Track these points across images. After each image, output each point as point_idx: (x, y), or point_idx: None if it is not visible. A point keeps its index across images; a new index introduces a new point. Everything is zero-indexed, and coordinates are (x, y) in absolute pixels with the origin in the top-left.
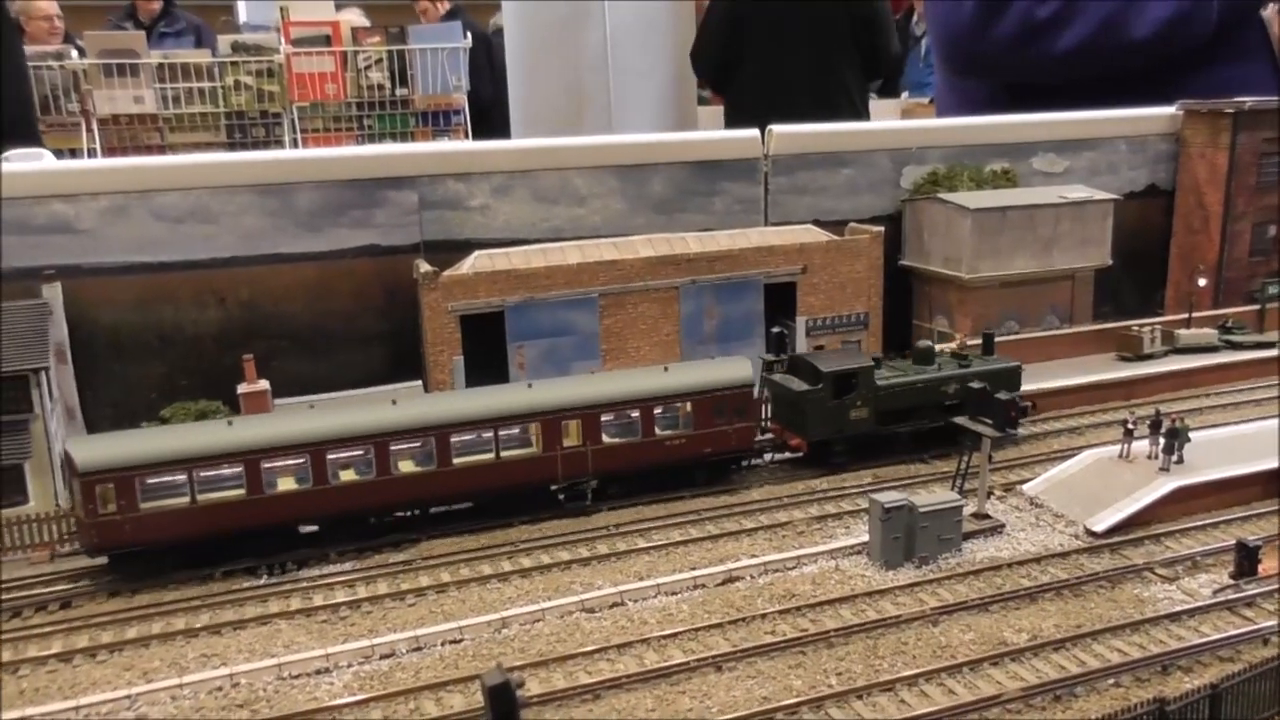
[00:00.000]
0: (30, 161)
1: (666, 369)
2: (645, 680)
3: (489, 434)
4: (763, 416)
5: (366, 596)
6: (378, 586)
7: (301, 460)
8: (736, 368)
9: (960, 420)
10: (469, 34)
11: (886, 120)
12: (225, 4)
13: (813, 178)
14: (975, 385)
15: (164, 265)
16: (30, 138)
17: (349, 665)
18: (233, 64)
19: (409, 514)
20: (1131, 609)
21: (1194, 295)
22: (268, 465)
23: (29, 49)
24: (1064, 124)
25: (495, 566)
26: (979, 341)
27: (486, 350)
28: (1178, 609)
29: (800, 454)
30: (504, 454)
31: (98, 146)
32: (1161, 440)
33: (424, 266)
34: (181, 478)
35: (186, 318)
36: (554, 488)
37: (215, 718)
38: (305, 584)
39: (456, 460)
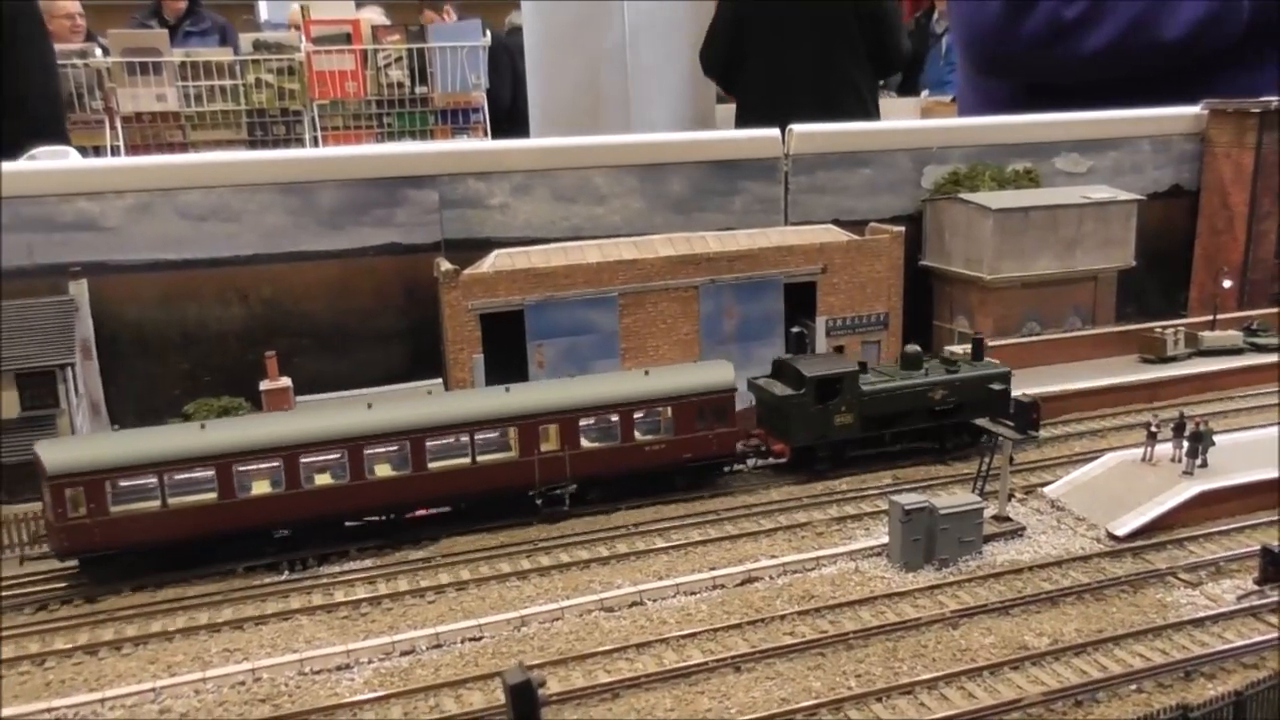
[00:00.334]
0: (57, 159)
1: (647, 373)
2: (664, 680)
3: (465, 438)
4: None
5: (387, 593)
6: (398, 583)
7: (275, 464)
8: (718, 372)
9: (982, 422)
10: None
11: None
12: (247, 2)
13: (833, 177)
14: (997, 387)
15: (188, 263)
16: (58, 135)
17: (369, 661)
18: (254, 62)
19: (383, 519)
20: (1154, 614)
21: (1218, 297)
22: (240, 469)
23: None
24: (1087, 123)
25: (515, 565)
26: (1002, 341)
27: (506, 349)
28: (1201, 614)
29: (783, 460)
30: (480, 458)
31: (121, 144)
32: (1185, 443)
33: (444, 265)
34: (152, 481)
35: (210, 315)
36: (531, 493)
37: (237, 712)
38: (326, 580)
39: (432, 465)
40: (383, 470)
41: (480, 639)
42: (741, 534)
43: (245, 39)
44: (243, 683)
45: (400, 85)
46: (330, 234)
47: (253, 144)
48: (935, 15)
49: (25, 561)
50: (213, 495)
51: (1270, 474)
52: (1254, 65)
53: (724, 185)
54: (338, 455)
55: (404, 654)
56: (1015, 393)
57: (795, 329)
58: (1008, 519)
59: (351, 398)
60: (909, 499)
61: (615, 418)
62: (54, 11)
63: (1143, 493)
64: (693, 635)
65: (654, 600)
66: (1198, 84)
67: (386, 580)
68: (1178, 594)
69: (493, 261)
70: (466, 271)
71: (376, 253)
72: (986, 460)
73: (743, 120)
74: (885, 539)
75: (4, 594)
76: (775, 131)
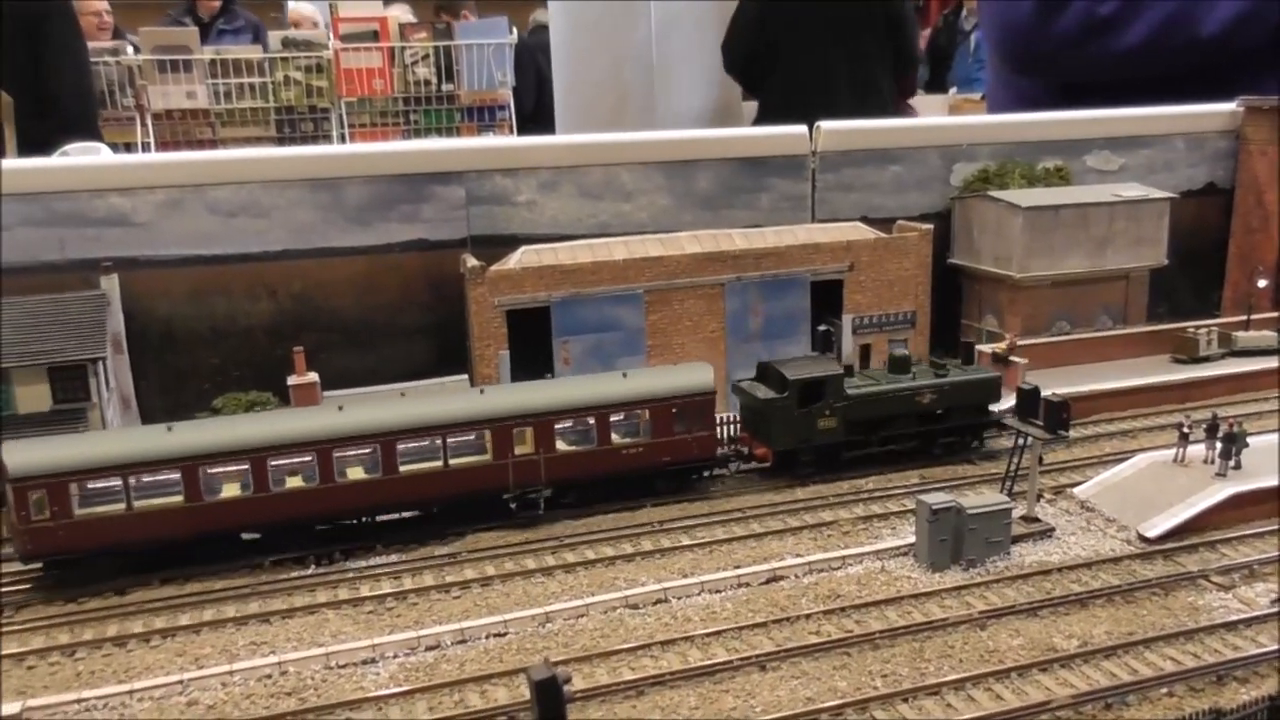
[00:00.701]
0: (89, 155)
1: (625, 375)
2: (689, 678)
3: (437, 441)
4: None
5: (412, 588)
6: (423, 578)
7: (242, 467)
8: (698, 374)
9: (1011, 421)
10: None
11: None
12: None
13: (860, 174)
14: (1026, 387)
15: (217, 258)
16: (91, 133)
17: (395, 656)
18: (283, 59)
19: (355, 522)
20: (1186, 617)
21: (1253, 296)
22: (206, 472)
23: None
24: (1119, 121)
25: (539, 561)
26: (1032, 341)
27: (532, 345)
28: (1234, 618)
29: (766, 464)
30: (453, 462)
31: (151, 140)
32: (1218, 445)
33: (471, 261)
34: (117, 484)
35: (239, 310)
36: (506, 496)
37: (264, 705)
38: (352, 575)
39: (403, 468)
40: (353, 473)
41: (505, 635)
42: (766, 532)
43: (274, 36)
44: (269, 676)
45: (427, 82)
46: (358, 230)
47: (281, 141)
48: (964, 12)
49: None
50: (179, 498)
51: None
52: None
53: (751, 182)
54: (307, 458)
55: (429, 649)
56: (1045, 393)
57: (822, 327)
58: (1036, 520)
59: (378, 393)
60: (936, 499)
61: (591, 421)
62: (82, 9)
63: (1174, 494)
64: (717, 633)
65: (679, 598)
66: (1230, 82)
67: (412, 575)
68: (1210, 597)
69: (519, 258)
70: (493, 268)
71: (403, 249)
72: (1015, 460)
73: (764, 119)
74: (912, 539)
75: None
76: (803, 128)
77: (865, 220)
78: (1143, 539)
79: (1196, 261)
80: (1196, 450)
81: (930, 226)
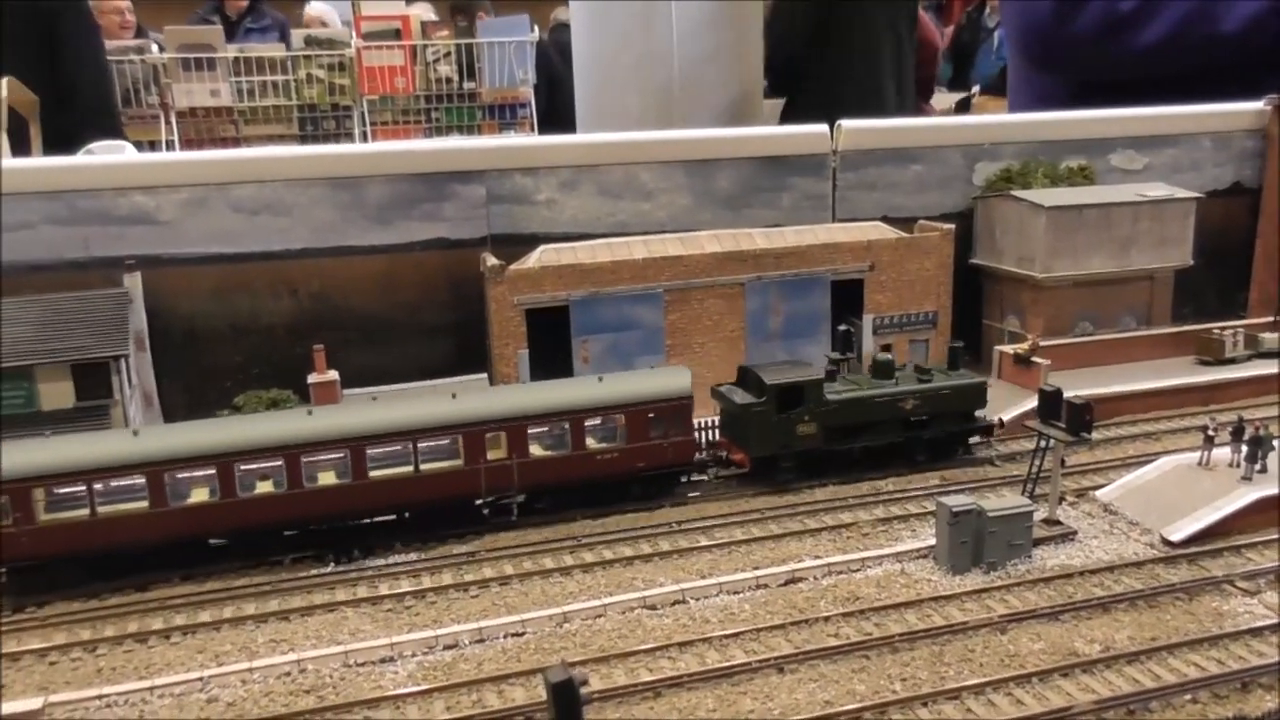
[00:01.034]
0: (113, 154)
1: (601, 379)
2: (706, 680)
3: (408, 446)
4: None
5: (431, 586)
6: (442, 577)
7: (208, 472)
8: (675, 379)
9: (1032, 424)
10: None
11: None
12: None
13: (882, 174)
14: (1048, 389)
15: (239, 256)
16: (112, 129)
17: (413, 655)
18: (305, 58)
19: (324, 528)
20: (1210, 622)
21: None
22: (171, 477)
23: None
24: (1144, 119)
25: (557, 560)
26: (1054, 341)
27: (551, 344)
28: (1259, 624)
29: (744, 470)
30: (424, 467)
31: (175, 138)
32: (1244, 448)
33: (491, 260)
34: (81, 489)
35: (261, 308)
36: (479, 502)
37: (283, 702)
38: (371, 573)
39: (373, 473)
40: (323, 479)
41: (523, 634)
42: (785, 533)
43: (297, 35)
44: (288, 673)
45: (449, 80)
46: (378, 229)
47: (303, 139)
48: (987, 9)
49: None
50: (143, 504)
51: None
52: None
53: (772, 181)
54: (274, 463)
55: (447, 648)
56: (1068, 394)
57: (842, 327)
58: (1058, 522)
59: (399, 391)
60: (957, 501)
61: (565, 425)
62: (103, 9)
63: (1199, 498)
64: (736, 635)
65: (697, 599)
66: (1251, 80)
67: (430, 574)
68: (1234, 602)
69: (539, 257)
70: (512, 267)
71: (424, 247)
72: (1037, 462)
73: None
74: (932, 541)
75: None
76: (823, 127)
77: (886, 220)
78: (1166, 543)
79: (1222, 262)
80: (1221, 453)
81: (952, 226)
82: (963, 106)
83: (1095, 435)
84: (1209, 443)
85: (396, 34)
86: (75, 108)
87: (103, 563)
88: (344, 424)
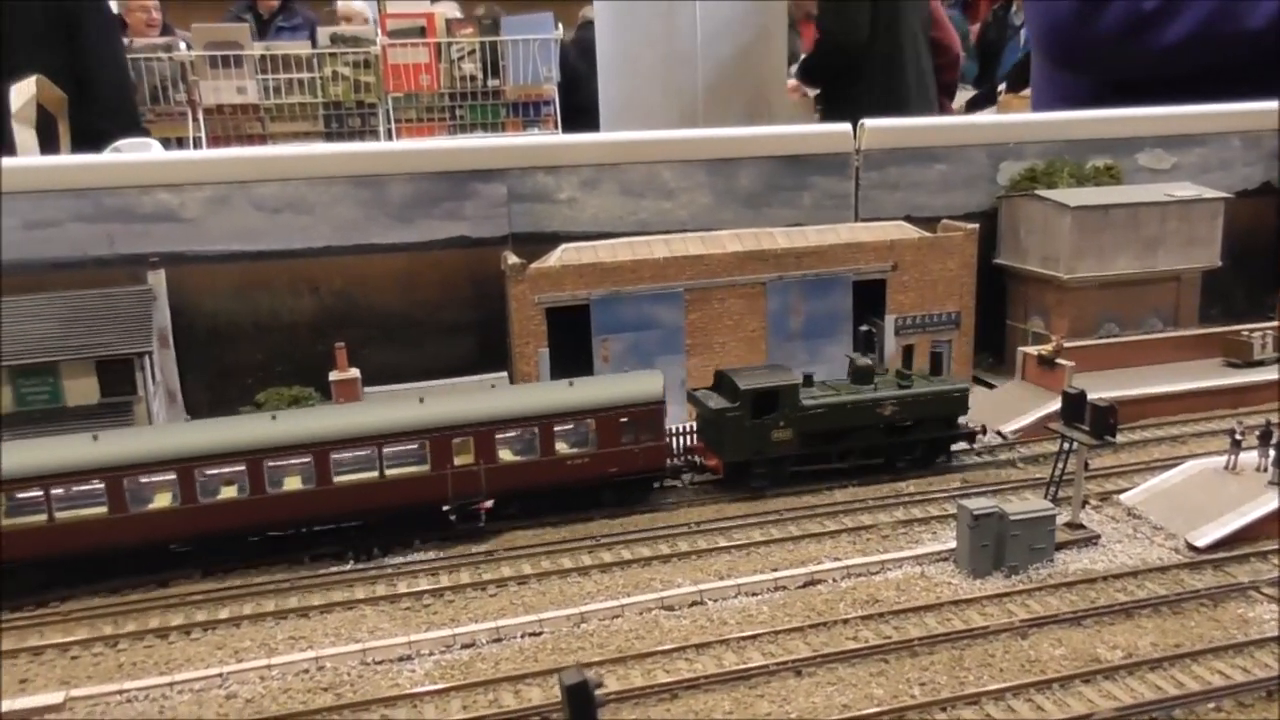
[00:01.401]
0: (139, 151)
1: (571, 384)
2: (723, 682)
3: (372, 451)
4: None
5: (449, 585)
6: (460, 575)
7: (169, 477)
8: (647, 383)
9: (1055, 426)
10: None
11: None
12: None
13: (905, 173)
14: (1072, 391)
15: (261, 254)
16: (131, 124)
17: (430, 653)
18: (331, 55)
19: (289, 533)
20: (1235, 629)
21: None
22: (131, 482)
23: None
24: (1172, 118)
25: (575, 560)
26: (1079, 343)
27: (572, 343)
28: None
29: (718, 476)
30: (390, 472)
31: (203, 135)
32: (1272, 452)
33: (511, 258)
34: (38, 494)
35: (282, 305)
36: (445, 508)
37: (301, 700)
38: (390, 570)
39: (337, 479)
40: (285, 484)
41: (540, 634)
42: (805, 535)
43: (322, 32)
44: (306, 671)
45: (473, 78)
46: (400, 227)
47: (328, 136)
48: (1014, 7)
49: None
50: (102, 509)
51: None
52: None
53: (793, 180)
54: (236, 468)
55: (464, 647)
56: (1092, 396)
57: (864, 327)
58: (1081, 526)
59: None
60: (978, 503)
61: (534, 431)
62: (130, 6)
63: (1225, 502)
64: (753, 637)
65: (715, 600)
66: (1276, 79)
67: (449, 572)
68: (1261, 609)
69: (559, 255)
70: (533, 265)
71: (444, 246)
72: (1060, 465)
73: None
74: (953, 544)
75: None
76: (846, 126)
77: (909, 219)
78: (1191, 548)
79: (1251, 263)
80: (1249, 457)
81: (976, 226)
82: (973, 105)
83: (1120, 438)
84: (1236, 446)
85: (421, 32)
86: (94, 105)
87: (69, 567)
88: (307, 429)
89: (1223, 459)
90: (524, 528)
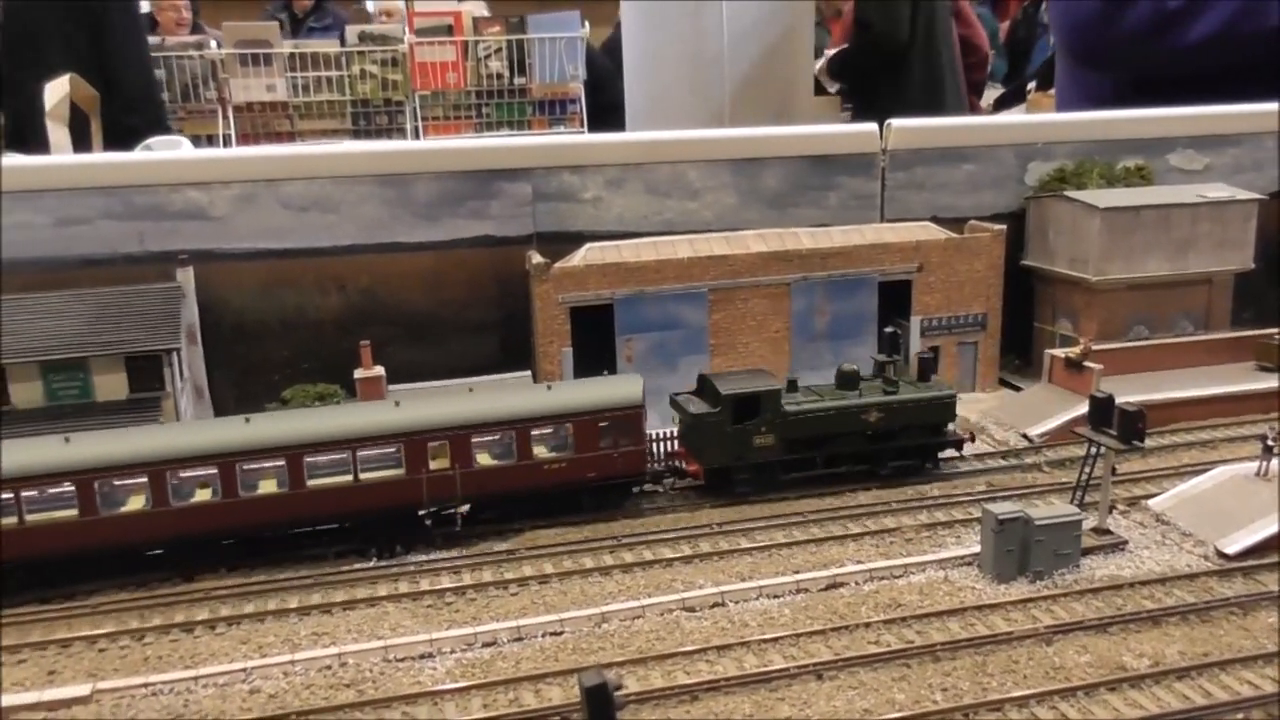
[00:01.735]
0: (170, 149)
1: (550, 387)
2: (744, 684)
3: (347, 455)
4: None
5: (471, 583)
6: (482, 574)
7: (140, 480)
8: (627, 387)
9: (1082, 430)
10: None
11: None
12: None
13: (931, 173)
14: (1100, 394)
15: (288, 252)
16: (157, 123)
17: (452, 651)
18: (359, 53)
19: (263, 537)
20: (1265, 638)
21: None
22: (102, 485)
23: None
24: (1205, 118)
25: (597, 560)
26: (1108, 345)
27: (595, 342)
28: None
29: (699, 482)
30: (364, 476)
31: (233, 132)
32: None
33: (536, 258)
34: (8, 496)
35: (309, 303)
36: (421, 512)
37: (323, 695)
38: (413, 568)
39: (311, 482)
40: (258, 488)
41: (561, 634)
42: (827, 537)
43: (351, 31)
44: (329, 667)
45: (499, 76)
46: (425, 225)
47: (356, 134)
48: (1043, 5)
49: None
50: (74, 513)
51: None
52: None
53: (819, 181)
54: (209, 471)
55: (485, 645)
56: (1120, 400)
57: (889, 329)
58: (1108, 532)
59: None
60: (1003, 508)
61: (511, 435)
62: (160, 5)
63: (1256, 509)
64: (774, 639)
65: (736, 602)
66: None
67: (471, 570)
68: None
69: (584, 255)
70: (557, 265)
71: (470, 245)
72: (1087, 470)
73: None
74: (977, 548)
75: None
76: (873, 126)
77: (936, 220)
78: (1221, 555)
79: None
80: None
81: (1003, 227)
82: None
83: (1148, 443)
84: (1267, 452)
85: (448, 30)
86: (119, 102)
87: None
88: (282, 432)
89: (1254, 465)
90: (546, 526)
